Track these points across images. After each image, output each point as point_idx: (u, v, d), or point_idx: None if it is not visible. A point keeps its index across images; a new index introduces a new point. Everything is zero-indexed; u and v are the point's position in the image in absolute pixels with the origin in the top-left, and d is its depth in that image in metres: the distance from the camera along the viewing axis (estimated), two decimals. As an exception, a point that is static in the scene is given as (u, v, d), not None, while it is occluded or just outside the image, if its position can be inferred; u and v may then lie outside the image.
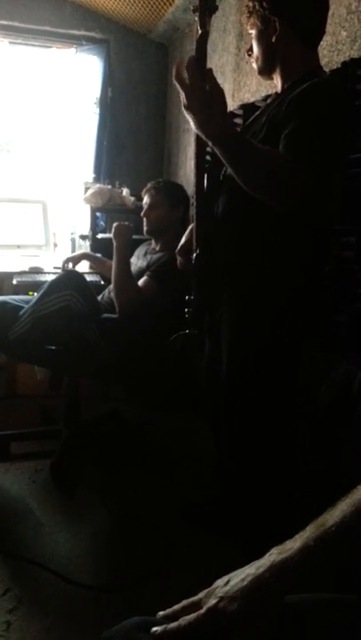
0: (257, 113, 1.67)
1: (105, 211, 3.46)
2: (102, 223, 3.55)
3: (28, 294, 2.56)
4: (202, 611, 0.66)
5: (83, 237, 3.50)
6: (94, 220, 3.39)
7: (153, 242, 2.51)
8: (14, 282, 2.79)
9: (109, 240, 2.31)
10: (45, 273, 2.93)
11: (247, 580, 0.65)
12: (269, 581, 0.64)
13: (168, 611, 0.71)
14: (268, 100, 1.66)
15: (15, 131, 3.79)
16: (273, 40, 1.47)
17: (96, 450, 2.47)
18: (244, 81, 2.66)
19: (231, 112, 2.56)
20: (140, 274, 2.28)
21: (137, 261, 2.45)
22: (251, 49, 1.56)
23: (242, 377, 1.57)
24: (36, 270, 2.95)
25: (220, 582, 0.69)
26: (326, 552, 0.63)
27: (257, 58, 1.55)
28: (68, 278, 2.18)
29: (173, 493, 2.13)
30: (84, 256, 2.82)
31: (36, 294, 2.18)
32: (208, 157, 1.58)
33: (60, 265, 2.70)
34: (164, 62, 3.79)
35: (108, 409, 2.71)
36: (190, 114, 1.28)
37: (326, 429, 1.67)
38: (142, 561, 1.74)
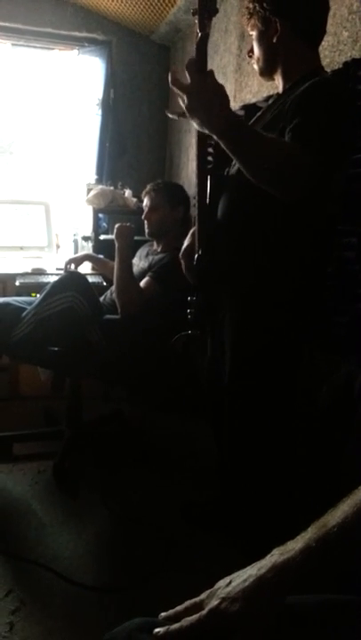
0: (259, 113, 1.67)
1: (107, 212, 3.46)
2: (104, 224, 3.55)
3: (30, 295, 2.57)
4: (204, 612, 0.66)
5: (85, 239, 3.50)
6: (97, 221, 3.39)
7: (154, 243, 2.51)
8: (17, 283, 2.80)
9: (111, 241, 2.31)
10: (48, 274, 2.94)
11: (249, 580, 0.65)
12: (271, 582, 0.64)
13: (170, 612, 0.71)
14: (270, 101, 1.66)
15: (18, 132, 3.79)
16: (274, 41, 1.47)
17: (98, 450, 2.47)
18: (246, 82, 2.66)
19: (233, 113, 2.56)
20: (142, 275, 2.28)
21: (139, 262, 2.45)
22: (252, 50, 1.57)
23: (244, 377, 1.57)
24: (39, 271, 2.96)
25: (221, 583, 0.69)
26: (328, 553, 0.63)
27: (258, 59, 1.55)
28: (71, 279, 2.19)
29: (174, 494, 2.13)
30: (86, 257, 2.83)
31: (38, 296, 2.19)
32: (210, 158, 1.58)
33: (63, 266, 2.71)
34: (166, 63, 3.80)
35: (109, 409, 2.71)
36: (193, 114, 1.28)
37: (327, 430, 1.66)
38: (144, 561, 1.74)
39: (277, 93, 1.59)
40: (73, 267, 2.67)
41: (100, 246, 3.29)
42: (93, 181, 3.58)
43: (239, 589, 0.65)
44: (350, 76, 1.70)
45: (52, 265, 3.11)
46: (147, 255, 2.47)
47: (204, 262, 1.58)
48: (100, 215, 3.45)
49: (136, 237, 2.33)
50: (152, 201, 2.41)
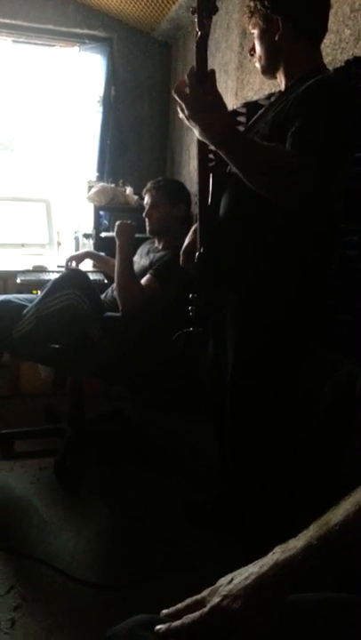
0: (261, 111, 1.67)
1: (108, 209, 3.46)
2: (105, 222, 3.55)
3: (31, 293, 2.57)
4: (205, 609, 0.66)
5: (86, 236, 3.50)
6: (98, 218, 3.39)
7: (156, 240, 2.51)
8: (18, 280, 2.80)
9: (112, 239, 2.31)
10: (49, 271, 2.94)
11: (251, 578, 0.66)
12: (273, 580, 0.64)
13: (172, 609, 0.72)
14: (272, 99, 1.65)
15: (19, 129, 3.79)
16: (276, 39, 1.47)
17: (99, 448, 2.47)
18: (248, 79, 2.66)
19: (234, 110, 2.56)
20: (143, 272, 2.28)
21: (140, 260, 2.45)
22: (253, 48, 1.56)
23: (246, 377, 1.57)
24: (40, 269, 2.96)
25: (223, 581, 0.69)
26: (330, 551, 0.63)
27: (260, 57, 1.55)
28: (72, 277, 2.19)
29: (176, 492, 2.13)
30: (87, 255, 2.83)
31: (39, 293, 2.19)
32: (211, 156, 1.58)
33: (64, 263, 2.71)
34: (168, 61, 3.79)
35: (111, 408, 2.72)
36: (193, 123, 1.31)
37: (328, 429, 1.66)
38: (145, 559, 1.75)
39: (280, 91, 1.59)
40: (74, 264, 2.67)
41: (101, 244, 3.29)
42: (94, 179, 3.57)
43: (241, 587, 0.65)
44: (352, 74, 1.70)
45: (53, 262, 3.12)
46: (148, 253, 2.47)
47: (205, 260, 1.58)
48: (101, 212, 3.45)
49: (137, 235, 2.33)
50: (153, 198, 2.40)
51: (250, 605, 0.64)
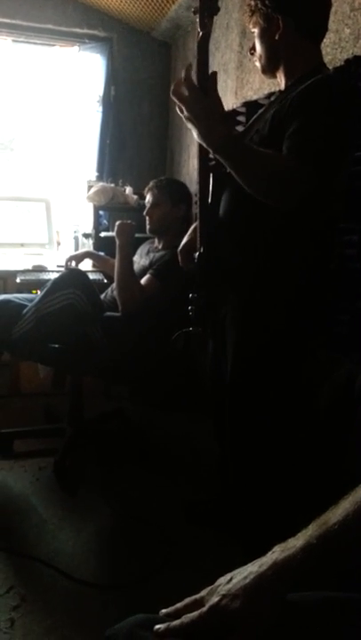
0: (261, 110, 1.67)
1: (108, 209, 3.46)
2: (105, 221, 3.55)
3: (31, 292, 2.56)
4: (204, 608, 0.66)
5: (86, 236, 3.50)
6: (97, 218, 3.39)
7: (155, 240, 2.51)
8: (18, 280, 2.80)
9: (112, 238, 2.31)
10: (49, 271, 2.94)
11: (250, 577, 0.66)
12: (272, 579, 0.64)
13: (171, 608, 0.72)
14: (272, 98, 1.65)
15: (18, 129, 3.79)
16: (276, 38, 1.47)
17: (99, 448, 2.47)
18: (247, 78, 2.65)
19: (234, 110, 2.55)
20: (143, 272, 2.28)
21: (140, 260, 2.45)
22: (253, 48, 1.56)
23: (247, 376, 1.57)
24: (40, 269, 2.96)
25: (222, 580, 0.69)
26: (329, 550, 0.63)
27: (260, 56, 1.55)
28: (72, 276, 2.19)
29: (175, 492, 2.13)
30: (87, 254, 2.83)
31: (39, 292, 2.18)
32: (211, 156, 1.58)
33: (64, 263, 2.71)
34: (167, 60, 3.79)
35: (110, 407, 2.72)
36: (190, 125, 1.33)
37: (328, 429, 1.66)
38: (145, 559, 1.75)
39: (279, 90, 1.59)
40: (74, 264, 2.67)
41: (101, 243, 3.29)
42: (94, 178, 3.57)
43: (240, 586, 0.65)
44: (352, 74, 1.70)
45: (53, 262, 3.12)
46: (148, 252, 2.47)
47: (205, 260, 1.57)
48: (101, 212, 3.45)
49: (137, 234, 2.33)
50: (154, 197, 2.40)
51: (249, 605, 0.64)
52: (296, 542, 0.65)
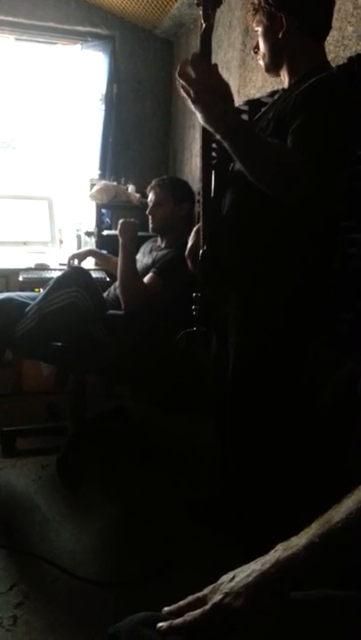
0: (264, 109, 1.67)
1: (110, 207, 3.46)
2: (108, 220, 3.55)
3: (34, 291, 2.57)
4: (207, 606, 0.67)
5: (88, 234, 3.50)
6: (100, 216, 3.39)
7: (158, 239, 2.50)
8: (20, 278, 2.80)
9: (115, 237, 2.31)
10: (51, 269, 2.93)
11: (252, 575, 0.66)
12: (274, 577, 0.64)
13: (173, 606, 0.72)
14: (276, 96, 1.65)
15: (21, 127, 3.79)
16: (280, 36, 1.47)
17: (101, 447, 2.47)
18: (250, 77, 2.65)
19: (237, 108, 2.55)
20: (146, 271, 2.28)
21: (142, 258, 2.45)
22: (257, 46, 1.56)
23: (248, 376, 1.57)
24: (42, 267, 2.96)
25: (225, 578, 0.69)
26: (331, 549, 0.63)
27: (264, 55, 1.54)
28: (74, 275, 2.19)
29: (178, 490, 2.14)
30: (89, 253, 2.83)
31: (41, 291, 2.19)
32: (214, 154, 1.58)
33: (66, 261, 2.71)
34: (170, 58, 3.78)
35: (113, 406, 2.72)
36: (198, 108, 1.29)
37: (330, 428, 1.66)
38: (147, 557, 1.75)
39: (283, 89, 1.58)
40: (76, 262, 2.67)
41: (104, 242, 3.29)
42: (96, 177, 3.57)
43: (242, 584, 0.66)
44: (355, 71, 1.69)
45: (56, 260, 3.11)
46: (150, 251, 2.47)
47: (208, 258, 1.57)
48: (104, 210, 3.45)
49: (140, 233, 2.33)
50: (157, 196, 2.40)
51: (251, 603, 0.64)
52: (299, 541, 0.65)
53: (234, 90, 2.74)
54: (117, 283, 2.26)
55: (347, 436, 1.58)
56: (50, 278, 2.34)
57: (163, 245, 2.44)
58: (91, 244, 3.46)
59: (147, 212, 2.44)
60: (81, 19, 3.51)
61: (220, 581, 0.69)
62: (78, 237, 3.56)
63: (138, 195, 3.34)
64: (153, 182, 2.45)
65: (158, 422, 2.77)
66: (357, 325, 1.68)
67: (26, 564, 1.69)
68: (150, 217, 2.42)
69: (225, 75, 2.80)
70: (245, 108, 2.47)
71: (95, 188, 3.31)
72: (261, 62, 1.58)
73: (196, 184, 2.96)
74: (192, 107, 1.31)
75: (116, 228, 2.30)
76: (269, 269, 1.49)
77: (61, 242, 3.53)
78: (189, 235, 1.79)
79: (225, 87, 1.27)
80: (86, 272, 2.27)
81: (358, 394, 1.53)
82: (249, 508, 1.68)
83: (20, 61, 3.61)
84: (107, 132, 3.67)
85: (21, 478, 2.18)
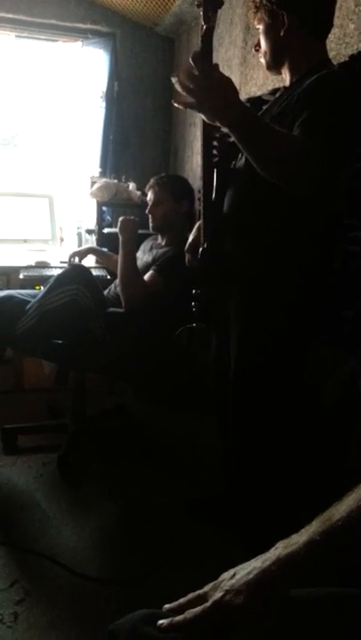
0: (266, 107, 1.66)
1: (111, 205, 3.45)
2: (108, 217, 3.55)
3: (34, 288, 2.57)
4: (208, 604, 0.67)
5: (89, 232, 3.50)
6: (100, 214, 3.39)
7: (159, 236, 2.50)
8: (21, 276, 2.80)
9: (115, 234, 2.31)
10: (52, 267, 2.94)
11: (253, 573, 0.66)
12: (275, 575, 0.64)
13: (174, 604, 0.72)
14: (277, 94, 1.65)
15: (21, 125, 3.78)
16: (281, 34, 1.46)
17: (102, 444, 2.48)
18: (251, 74, 2.64)
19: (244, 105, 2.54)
20: (146, 268, 2.28)
21: (143, 256, 2.45)
22: (258, 44, 1.55)
23: (250, 373, 1.57)
24: (43, 264, 2.96)
25: (225, 575, 0.69)
26: (332, 546, 0.63)
27: (265, 53, 1.54)
28: (75, 273, 2.19)
29: (178, 488, 2.14)
30: (90, 250, 2.83)
31: (42, 288, 2.19)
32: (215, 152, 1.58)
33: (67, 259, 2.71)
34: (171, 56, 3.77)
35: (114, 404, 2.72)
36: (204, 106, 1.27)
37: (331, 426, 1.66)
38: (147, 554, 1.75)
39: (284, 87, 1.58)
40: (77, 260, 2.67)
41: (104, 239, 3.29)
42: (97, 174, 3.56)
43: (243, 582, 0.66)
44: (356, 69, 1.69)
45: (56, 258, 3.11)
46: (151, 249, 2.47)
47: (208, 256, 1.57)
48: (104, 208, 3.45)
49: (140, 231, 2.33)
50: (156, 195, 2.40)
51: (252, 600, 0.64)
52: (300, 538, 0.65)
53: (235, 87, 2.74)
54: (118, 280, 2.26)
55: (348, 434, 1.58)
56: (50, 276, 2.34)
57: (163, 243, 2.44)
58: (91, 241, 3.46)
59: (146, 210, 2.43)
60: (82, 16, 3.51)
61: (220, 579, 0.69)
62: (79, 235, 3.56)
63: (138, 192, 3.34)
64: (152, 181, 2.44)
65: (159, 420, 2.77)
66: (358, 324, 1.68)
67: (27, 561, 1.69)
68: (150, 216, 2.42)
69: (226, 72, 2.80)
70: (247, 105, 2.47)
71: (96, 186, 3.31)
72: (263, 60, 1.58)
73: (196, 182, 2.95)
74: (197, 107, 1.29)
75: (116, 226, 2.30)
76: (270, 267, 1.49)
77: (62, 239, 3.53)
78: (190, 232, 1.79)
79: (227, 79, 1.26)
80: (87, 270, 2.27)
81: (359, 392, 1.53)
82: (250, 505, 1.68)
83: (21, 59, 3.61)
84: (107, 129, 3.66)
85: (22, 476, 2.19)
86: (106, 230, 3.35)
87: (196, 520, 1.93)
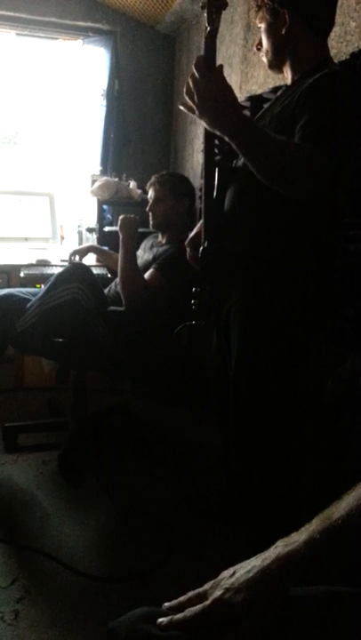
0: (267, 105, 1.66)
1: (112, 203, 3.45)
2: (109, 216, 3.55)
3: (35, 287, 2.57)
4: (207, 602, 0.67)
5: (89, 230, 3.50)
6: (101, 212, 3.39)
7: (159, 235, 2.50)
8: (22, 274, 2.80)
9: (116, 233, 2.31)
10: (52, 265, 2.94)
11: (253, 571, 0.66)
12: (275, 573, 0.64)
13: (174, 602, 0.72)
14: (279, 93, 1.64)
15: (22, 123, 3.78)
16: (283, 33, 1.46)
17: (102, 442, 2.48)
18: (252, 73, 2.64)
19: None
20: (147, 267, 2.28)
21: (143, 254, 2.45)
22: (260, 43, 1.55)
23: (251, 371, 1.57)
24: (44, 263, 2.96)
25: (225, 574, 0.69)
26: (332, 545, 0.63)
27: (267, 51, 1.54)
28: (75, 271, 2.18)
29: (178, 486, 2.14)
30: (90, 249, 2.83)
31: (43, 287, 2.19)
32: (217, 150, 1.57)
33: (67, 257, 2.71)
34: (172, 54, 3.77)
35: (114, 402, 2.72)
36: (203, 114, 1.30)
37: (332, 424, 1.66)
38: (147, 552, 1.75)
39: (286, 85, 1.58)
40: (77, 258, 2.67)
41: (105, 238, 3.29)
42: (98, 172, 3.56)
43: (243, 580, 0.66)
44: (357, 67, 1.69)
45: (57, 256, 3.12)
46: (151, 247, 2.47)
47: (209, 254, 1.57)
48: (105, 206, 3.45)
49: (140, 229, 2.32)
50: (157, 193, 2.39)
51: (252, 598, 0.64)
52: (299, 537, 0.65)
53: (235, 86, 2.75)
54: (118, 279, 2.26)
55: (348, 432, 1.58)
56: (51, 274, 2.34)
57: (163, 241, 2.44)
58: (92, 240, 3.46)
59: (147, 208, 2.43)
60: (82, 14, 3.50)
61: (220, 577, 0.70)
62: (79, 233, 3.56)
63: (139, 191, 3.33)
64: (152, 179, 2.44)
65: (160, 418, 2.77)
66: (359, 322, 1.68)
67: (27, 559, 1.69)
68: (150, 213, 2.41)
69: (227, 71, 2.79)
70: (247, 104, 2.46)
71: (96, 184, 3.31)
72: (264, 59, 1.57)
73: (197, 180, 2.95)
74: (197, 113, 1.32)
75: (117, 225, 2.29)
76: (271, 266, 1.49)
77: (62, 238, 3.53)
78: (190, 231, 1.79)
79: (227, 88, 1.28)
80: (87, 268, 2.27)
81: (360, 390, 1.53)
82: (251, 503, 1.68)
83: (22, 57, 3.60)
84: (108, 127, 3.66)
85: (23, 474, 2.19)
86: (106, 229, 3.35)
87: (197, 518, 1.93)
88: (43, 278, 2.62)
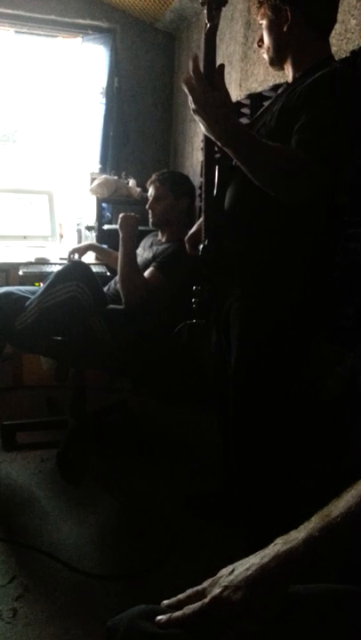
0: (268, 103, 1.66)
1: (111, 202, 3.45)
2: (108, 214, 3.54)
3: (34, 285, 2.56)
4: (206, 600, 0.67)
5: (89, 228, 3.50)
6: (100, 210, 3.38)
7: (159, 233, 2.50)
8: (20, 272, 2.80)
9: (115, 231, 2.31)
10: (51, 264, 2.94)
11: (252, 569, 0.66)
12: (274, 571, 0.64)
13: (172, 599, 0.72)
14: (279, 90, 1.64)
15: (21, 121, 3.77)
16: (284, 30, 1.46)
17: (101, 440, 2.48)
18: (252, 70, 2.64)
19: (238, 102, 2.54)
20: (146, 265, 2.27)
21: (143, 252, 2.45)
22: (261, 40, 1.55)
23: (251, 369, 1.57)
24: (42, 261, 2.96)
25: (224, 571, 0.69)
26: (331, 543, 0.63)
27: (268, 48, 1.53)
28: (75, 269, 2.18)
29: (178, 484, 2.14)
30: (89, 247, 2.82)
31: (42, 285, 2.18)
32: (217, 148, 1.57)
33: (66, 256, 2.70)
34: (171, 52, 3.76)
35: (113, 400, 2.72)
36: (199, 117, 1.32)
37: (331, 422, 1.66)
38: (146, 550, 1.75)
39: (286, 82, 1.57)
40: (76, 256, 2.66)
41: (104, 236, 3.29)
42: (97, 171, 3.56)
43: (242, 578, 0.65)
44: (358, 65, 1.68)
45: (56, 254, 3.11)
46: (151, 245, 2.47)
47: (209, 252, 1.57)
48: (104, 205, 3.44)
49: (140, 227, 2.32)
50: (157, 191, 2.39)
51: (251, 596, 0.64)
52: (298, 534, 0.65)
53: (236, 83, 2.75)
54: (118, 277, 2.26)
55: (347, 431, 1.58)
56: (50, 272, 2.34)
57: (163, 240, 2.44)
58: (91, 238, 3.45)
59: (147, 206, 2.43)
60: (82, 11, 3.50)
61: (219, 575, 0.69)
62: (79, 232, 3.56)
63: (139, 189, 3.33)
64: (153, 176, 2.44)
65: (159, 416, 2.77)
66: (359, 320, 1.68)
67: (26, 557, 1.69)
68: (150, 211, 2.41)
69: (227, 68, 2.79)
70: (247, 101, 2.46)
71: (96, 182, 3.31)
72: (265, 56, 1.57)
73: (197, 178, 2.95)
74: (194, 116, 1.34)
75: (116, 223, 2.29)
76: (271, 264, 1.49)
77: (62, 236, 3.53)
78: (190, 229, 1.79)
79: (223, 97, 1.29)
80: (87, 266, 2.27)
81: (359, 388, 1.53)
82: (250, 501, 1.68)
83: (21, 54, 3.60)
84: (107, 125, 3.65)
85: (22, 472, 2.19)
86: (106, 227, 3.35)
87: (196, 516, 1.93)
88: (42, 276, 2.61)
